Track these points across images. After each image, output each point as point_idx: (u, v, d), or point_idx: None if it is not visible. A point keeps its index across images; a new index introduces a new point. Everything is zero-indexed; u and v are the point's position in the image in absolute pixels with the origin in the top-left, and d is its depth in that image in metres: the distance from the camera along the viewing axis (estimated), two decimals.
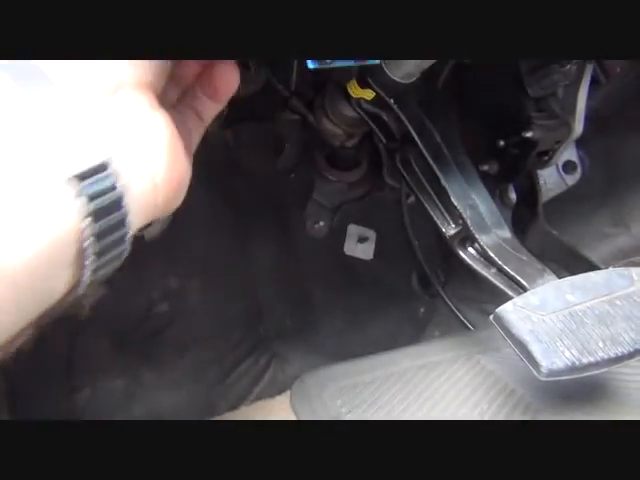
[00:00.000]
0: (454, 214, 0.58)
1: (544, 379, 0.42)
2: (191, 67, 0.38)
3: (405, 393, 0.55)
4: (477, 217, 0.57)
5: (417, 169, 0.61)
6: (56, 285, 0.29)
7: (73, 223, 0.27)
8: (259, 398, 0.86)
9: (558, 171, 0.81)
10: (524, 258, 0.54)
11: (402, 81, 0.55)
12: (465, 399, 0.53)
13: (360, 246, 0.94)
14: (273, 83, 0.70)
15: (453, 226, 0.59)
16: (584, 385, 0.52)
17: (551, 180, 0.80)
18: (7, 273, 0.25)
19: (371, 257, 0.94)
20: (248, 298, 0.91)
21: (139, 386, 0.82)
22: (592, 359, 0.43)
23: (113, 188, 0.28)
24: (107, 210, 0.28)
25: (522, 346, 0.43)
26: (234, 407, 0.82)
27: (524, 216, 0.74)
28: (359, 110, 0.64)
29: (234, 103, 0.66)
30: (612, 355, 0.43)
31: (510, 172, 0.74)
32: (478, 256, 0.57)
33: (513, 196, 0.80)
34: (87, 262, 0.29)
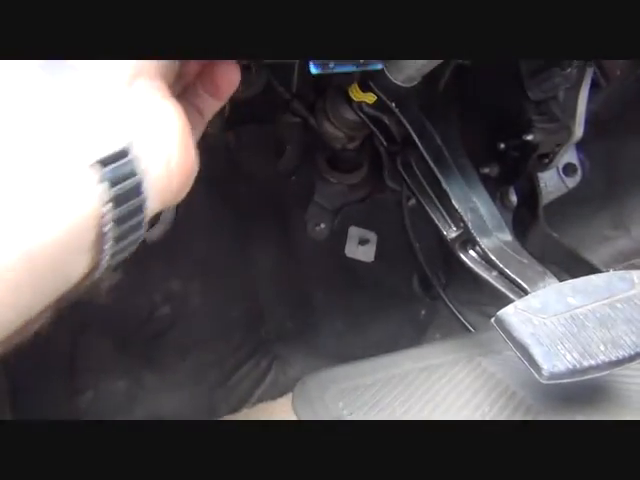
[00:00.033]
0: (455, 217, 0.58)
1: (545, 382, 0.42)
2: (192, 64, 0.39)
3: (406, 395, 0.55)
4: (478, 220, 0.57)
5: (418, 172, 0.62)
6: (74, 269, 0.29)
7: (94, 208, 0.28)
8: (260, 400, 0.86)
9: (558, 174, 0.81)
10: (525, 261, 0.54)
11: (403, 85, 0.55)
12: (466, 401, 0.53)
13: (361, 248, 0.94)
14: (274, 86, 0.70)
15: (454, 229, 0.59)
16: (585, 387, 0.52)
17: (551, 183, 0.80)
18: (27, 256, 0.25)
19: (372, 259, 0.94)
20: (249, 300, 0.91)
21: (141, 388, 0.82)
22: (593, 362, 0.43)
23: (134, 174, 0.29)
24: (127, 196, 0.29)
25: (523, 349, 0.43)
26: (235, 410, 0.82)
27: (525, 218, 0.74)
28: (360, 113, 0.64)
29: (235, 105, 0.67)
30: (613, 358, 0.44)
31: (511, 175, 0.74)
32: (479, 259, 0.57)
33: (514, 199, 0.81)
34: (106, 247, 0.29)
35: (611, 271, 0.53)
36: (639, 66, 0.67)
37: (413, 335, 0.96)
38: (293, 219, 0.91)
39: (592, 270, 0.61)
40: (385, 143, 0.66)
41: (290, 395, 0.58)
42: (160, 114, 0.32)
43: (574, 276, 0.49)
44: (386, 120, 0.63)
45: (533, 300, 0.46)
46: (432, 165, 0.58)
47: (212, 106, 0.40)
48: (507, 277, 0.53)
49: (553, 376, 0.42)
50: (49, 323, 0.31)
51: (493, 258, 0.55)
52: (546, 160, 0.71)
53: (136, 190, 0.29)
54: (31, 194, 0.26)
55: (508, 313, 0.45)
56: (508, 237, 0.57)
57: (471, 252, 0.58)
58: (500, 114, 0.70)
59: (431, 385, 0.55)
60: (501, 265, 0.54)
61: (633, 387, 0.54)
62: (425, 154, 0.58)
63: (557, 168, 0.80)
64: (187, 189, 0.36)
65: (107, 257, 0.30)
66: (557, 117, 0.67)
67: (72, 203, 0.27)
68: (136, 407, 0.81)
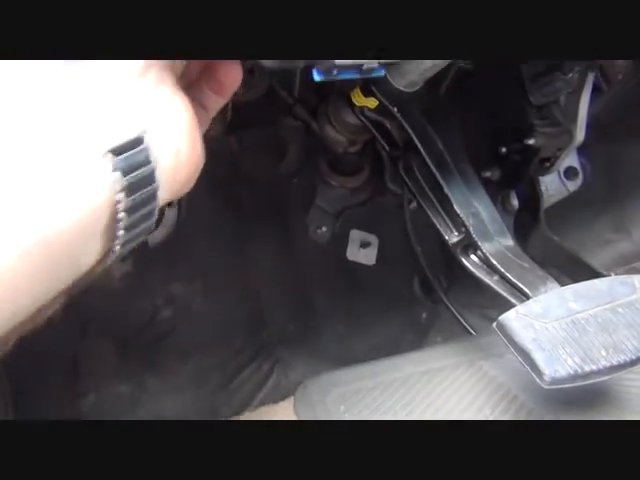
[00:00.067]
0: (457, 222, 0.59)
1: (547, 387, 0.42)
2: (195, 63, 0.39)
3: (408, 399, 0.55)
4: (480, 225, 0.57)
5: (420, 177, 0.62)
6: (87, 256, 0.30)
7: (107, 196, 0.28)
8: (262, 404, 0.86)
9: (560, 177, 0.81)
10: (526, 266, 0.54)
11: (405, 90, 0.55)
12: (468, 405, 0.53)
13: (362, 251, 0.94)
14: (276, 90, 0.70)
15: (456, 234, 0.59)
16: (586, 391, 0.52)
17: (553, 186, 0.81)
18: (43, 242, 0.26)
19: (373, 262, 0.94)
20: (251, 304, 0.91)
21: (143, 392, 0.82)
22: (594, 367, 0.43)
23: (147, 162, 0.30)
24: (140, 184, 0.29)
25: (525, 354, 0.43)
26: (237, 413, 0.82)
27: (526, 222, 0.74)
28: (362, 118, 0.64)
29: (237, 109, 0.67)
30: (614, 363, 0.44)
31: (512, 178, 0.74)
32: (481, 263, 0.57)
33: (515, 202, 0.81)
34: (118, 234, 0.30)
35: (612, 275, 0.53)
36: None
37: (414, 338, 0.96)
38: (294, 222, 0.91)
39: (593, 274, 0.61)
40: (387, 147, 0.66)
41: (292, 398, 0.58)
42: (169, 105, 0.33)
43: (575, 279, 0.49)
44: (388, 125, 0.63)
45: (534, 305, 0.46)
46: (434, 170, 0.58)
47: (216, 103, 0.41)
48: (508, 282, 0.54)
49: (555, 381, 0.42)
50: (59, 312, 0.32)
51: (495, 263, 0.55)
52: (547, 164, 0.72)
53: (149, 178, 0.30)
54: (47, 181, 0.26)
55: (509, 318, 0.45)
56: (510, 242, 0.57)
57: (473, 257, 0.58)
58: (502, 118, 0.71)
59: (432, 388, 0.56)
60: (502, 270, 0.54)
61: (633, 390, 0.54)
62: (427, 159, 0.59)
63: (558, 172, 0.80)
64: (193, 181, 0.36)
65: (119, 245, 0.30)
66: (558, 121, 0.68)
67: (86, 190, 0.27)
68: (138, 410, 0.82)
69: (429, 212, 0.61)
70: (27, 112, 0.27)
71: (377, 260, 0.94)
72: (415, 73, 0.53)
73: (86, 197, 0.27)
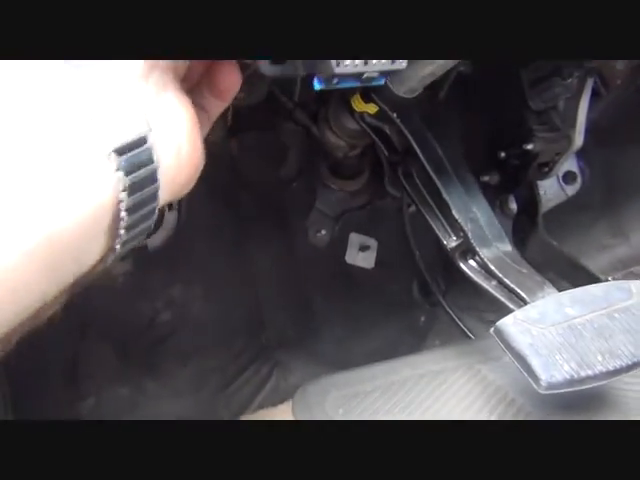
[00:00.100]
0: (455, 227, 0.59)
1: (543, 392, 0.42)
2: (196, 67, 0.40)
3: (406, 402, 0.55)
4: (478, 230, 0.57)
5: (419, 182, 0.62)
6: (89, 254, 0.30)
7: (111, 196, 0.29)
8: (261, 407, 0.86)
9: (558, 182, 0.82)
10: (524, 271, 0.55)
11: (405, 96, 0.55)
12: (466, 408, 0.54)
13: (361, 255, 0.94)
14: (277, 95, 0.71)
15: (454, 238, 0.59)
16: (583, 394, 0.52)
17: (551, 190, 0.81)
18: (47, 241, 0.26)
19: (372, 266, 0.94)
20: (250, 307, 0.91)
21: (142, 394, 0.83)
22: (591, 372, 0.43)
23: (150, 162, 0.30)
24: (142, 184, 0.30)
25: (522, 359, 0.44)
26: (236, 416, 0.83)
27: (524, 226, 0.74)
28: (362, 124, 0.64)
29: (238, 113, 0.67)
30: (611, 368, 0.44)
31: (511, 183, 0.75)
32: (479, 268, 0.57)
33: (514, 206, 0.81)
34: (120, 233, 0.30)
35: (610, 280, 0.53)
36: (639, 75, 0.67)
37: (413, 341, 0.96)
38: (294, 225, 0.91)
39: (591, 278, 0.62)
40: (386, 153, 0.66)
41: (290, 401, 0.58)
42: (172, 106, 0.33)
43: (573, 284, 0.50)
44: (387, 130, 0.63)
45: (532, 310, 0.47)
46: (433, 175, 0.59)
47: (217, 107, 0.41)
48: (506, 287, 0.54)
49: (551, 386, 0.42)
50: (59, 313, 0.32)
51: (493, 268, 0.55)
52: (546, 169, 0.72)
53: (151, 178, 0.30)
54: (52, 181, 0.26)
55: (507, 323, 0.46)
56: (508, 247, 0.57)
57: (471, 262, 0.58)
58: (501, 123, 0.71)
59: (431, 392, 0.56)
60: (500, 275, 0.54)
61: (630, 394, 0.54)
62: (426, 164, 0.59)
63: (557, 176, 0.80)
64: (193, 182, 0.37)
65: (120, 244, 0.31)
66: (557, 126, 0.68)
67: (89, 189, 0.28)
68: (137, 413, 0.82)
69: (428, 217, 0.61)
70: (32, 112, 0.27)
71: (376, 263, 0.94)
72: (414, 79, 0.53)
73: (90, 196, 0.28)
